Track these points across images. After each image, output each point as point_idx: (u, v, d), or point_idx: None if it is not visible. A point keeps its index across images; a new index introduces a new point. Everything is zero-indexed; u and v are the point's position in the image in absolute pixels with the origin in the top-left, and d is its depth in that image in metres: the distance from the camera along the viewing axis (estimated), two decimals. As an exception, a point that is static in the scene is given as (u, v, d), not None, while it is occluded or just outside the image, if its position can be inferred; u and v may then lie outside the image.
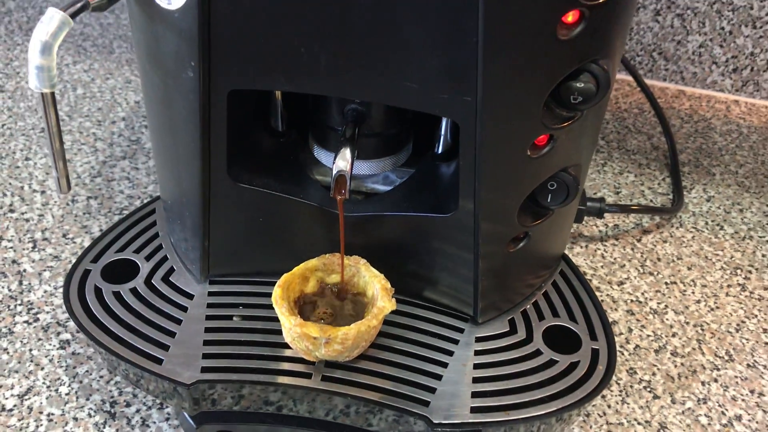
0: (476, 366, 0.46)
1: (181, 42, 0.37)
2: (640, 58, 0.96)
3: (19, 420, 0.52)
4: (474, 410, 0.43)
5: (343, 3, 0.35)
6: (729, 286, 0.67)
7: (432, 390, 0.44)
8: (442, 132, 0.48)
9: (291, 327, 0.43)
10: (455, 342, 0.47)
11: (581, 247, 0.70)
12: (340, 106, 0.45)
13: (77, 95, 0.84)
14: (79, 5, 0.35)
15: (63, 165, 0.39)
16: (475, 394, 0.44)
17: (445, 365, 0.46)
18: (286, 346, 0.46)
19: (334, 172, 0.41)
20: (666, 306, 0.64)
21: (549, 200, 0.44)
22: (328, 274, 0.48)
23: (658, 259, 0.69)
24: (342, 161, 0.41)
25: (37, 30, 0.34)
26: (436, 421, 0.42)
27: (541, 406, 0.44)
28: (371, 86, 0.38)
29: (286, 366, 0.45)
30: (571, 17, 0.35)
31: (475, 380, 0.45)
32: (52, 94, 0.36)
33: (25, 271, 0.62)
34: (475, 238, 0.43)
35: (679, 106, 0.93)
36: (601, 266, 0.68)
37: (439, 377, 0.45)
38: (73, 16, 0.34)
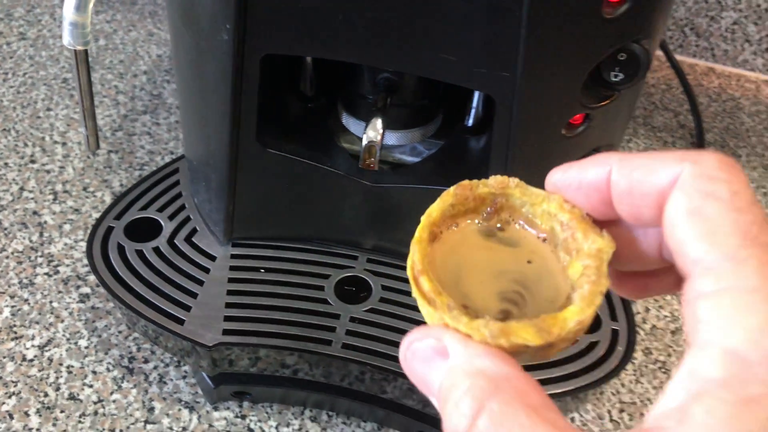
0: (496, 341, 0.46)
1: (217, 3, 0.37)
2: (671, 33, 0.94)
3: (40, 371, 0.52)
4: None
5: (385, -30, 0.34)
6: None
7: (451, 363, 0.44)
8: (474, 104, 0.47)
9: (483, 338, 0.23)
10: (476, 316, 0.47)
11: (602, 224, 0.69)
12: (372, 74, 0.44)
13: (99, 46, 0.83)
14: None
15: (92, 123, 0.38)
16: (494, 370, 0.44)
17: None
18: (307, 310, 0.46)
19: (365, 142, 0.41)
20: (684, 287, 0.64)
21: (579, 180, 0.43)
22: (464, 215, 0.29)
23: (679, 240, 0.68)
24: (372, 131, 0.41)
25: (73, -15, 0.34)
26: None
27: (559, 384, 0.44)
28: (408, 57, 0.37)
29: (307, 332, 0.45)
30: (617, -5, 0.35)
31: (495, 356, 0.45)
32: (86, 51, 0.35)
33: (45, 222, 0.62)
34: (503, 215, 0.43)
35: (708, 84, 0.92)
36: (621, 244, 0.67)
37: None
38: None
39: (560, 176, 0.25)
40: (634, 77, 0.38)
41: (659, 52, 0.92)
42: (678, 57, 0.94)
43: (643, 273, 0.27)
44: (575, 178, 0.25)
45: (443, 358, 0.23)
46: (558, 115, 0.38)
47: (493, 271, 0.27)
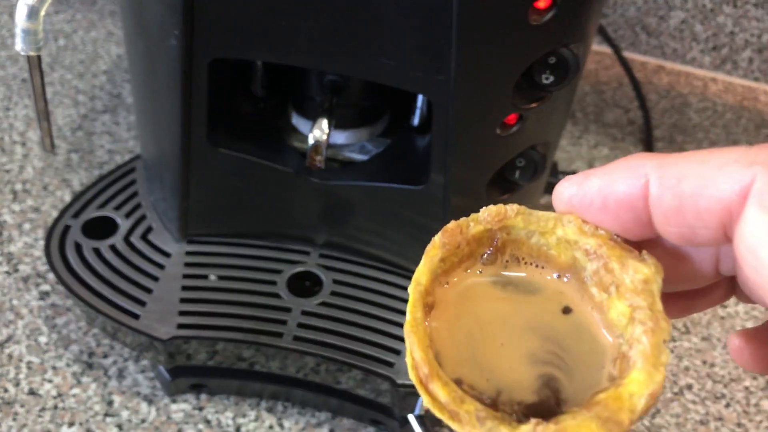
0: (441, 331, 0.48)
1: (166, 10, 0.38)
2: (623, 32, 0.97)
3: (0, 367, 0.53)
4: (436, 373, 0.46)
5: (324, -21, 0.36)
6: (691, 260, 0.69)
7: (397, 352, 0.46)
8: (419, 104, 0.49)
9: None
10: (422, 308, 0.49)
11: (552, 217, 0.72)
12: (319, 76, 0.46)
13: (59, 46, 0.84)
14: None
15: (47, 125, 0.40)
16: (439, 358, 0.46)
17: (411, 330, 0.48)
18: (260, 304, 0.48)
19: (311, 141, 0.43)
20: (629, 278, 0.67)
21: (517, 176, 0.45)
22: (458, 266, 0.24)
23: (625, 233, 0.71)
24: (318, 131, 0.43)
25: (23, -6, 0.35)
26: (399, 382, 0.45)
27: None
28: (349, 61, 0.39)
29: (259, 325, 0.47)
30: (542, 3, 0.37)
31: (439, 345, 0.47)
32: (38, 56, 0.37)
33: (5, 222, 0.63)
34: (445, 211, 0.45)
35: (658, 81, 0.95)
36: (570, 237, 0.70)
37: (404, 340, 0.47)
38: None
39: (576, 191, 0.20)
40: (564, 80, 0.40)
41: (609, 50, 0.95)
42: (629, 55, 0.97)
43: (687, 292, 0.22)
44: (598, 194, 0.19)
45: None
46: (492, 115, 0.41)
47: (515, 327, 0.21)
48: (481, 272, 0.23)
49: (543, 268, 0.22)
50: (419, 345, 0.20)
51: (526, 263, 0.22)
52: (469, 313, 0.22)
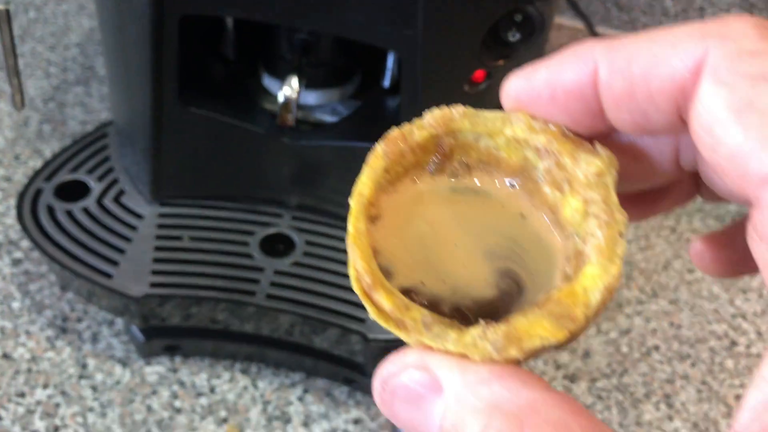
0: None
1: (133, -36, 0.38)
2: (594, 7, 0.98)
3: (-28, 332, 0.53)
4: (407, 329, 0.46)
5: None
6: (660, 228, 0.71)
7: (369, 309, 0.47)
8: (389, 66, 0.50)
9: (486, 355, 0.17)
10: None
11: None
12: (288, 35, 0.46)
13: (29, 18, 0.83)
14: None
15: (17, 81, 0.40)
16: (410, 315, 0.47)
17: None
18: (233, 264, 0.49)
19: (281, 99, 0.43)
20: (599, 244, 0.68)
21: (486, 135, 0.46)
22: (405, 176, 0.22)
23: (595, 201, 0.72)
24: (288, 88, 0.43)
25: (-11, -56, 0.35)
26: (371, 336, 0.46)
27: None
28: (318, 16, 0.39)
29: (232, 284, 0.47)
30: (507, -42, 0.37)
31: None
32: (7, 11, 0.37)
33: (-23, 190, 0.63)
34: (415, 169, 0.46)
35: (629, 56, 0.96)
36: (541, 205, 0.71)
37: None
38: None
39: (523, 85, 0.19)
40: (530, 37, 0.41)
41: (582, 25, 0.96)
42: (602, 29, 0.98)
43: (649, 193, 0.21)
44: (546, 86, 0.18)
45: (437, 393, 0.16)
46: (460, 71, 0.41)
47: (470, 228, 0.20)
48: (429, 181, 0.21)
49: (494, 173, 0.21)
50: (362, 256, 0.19)
51: (476, 169, 0.21)
52: (419, 218, 0.20)
